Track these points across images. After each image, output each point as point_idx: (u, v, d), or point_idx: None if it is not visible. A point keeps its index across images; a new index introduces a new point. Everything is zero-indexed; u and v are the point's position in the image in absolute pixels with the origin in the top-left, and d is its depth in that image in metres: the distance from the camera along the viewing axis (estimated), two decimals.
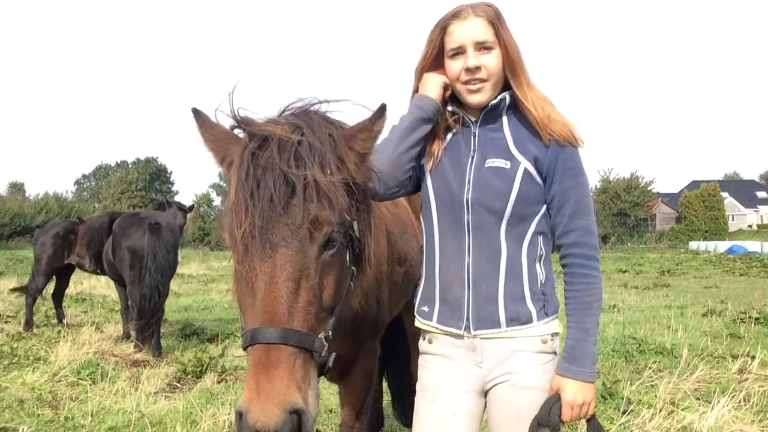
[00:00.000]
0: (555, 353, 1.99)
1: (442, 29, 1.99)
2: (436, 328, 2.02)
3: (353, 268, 1.83)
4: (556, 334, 2.00)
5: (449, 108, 2.06)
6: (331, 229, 1.62)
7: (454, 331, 1.98)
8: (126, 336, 8.13)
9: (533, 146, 1.95)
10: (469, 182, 1.96)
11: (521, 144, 1.96)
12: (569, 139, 1.94)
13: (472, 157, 1.99)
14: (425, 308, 2.07)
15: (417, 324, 2.11)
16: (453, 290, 1.98)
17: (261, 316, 1.54)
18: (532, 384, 1.94)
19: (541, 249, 1.98)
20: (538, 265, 1.98)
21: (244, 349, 1.57)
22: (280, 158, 1.61)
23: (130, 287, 7.82)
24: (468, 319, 1.95)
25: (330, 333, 1.68)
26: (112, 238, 8.16)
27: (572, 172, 1.94)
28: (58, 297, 9.91)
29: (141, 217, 8.06)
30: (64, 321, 9.61)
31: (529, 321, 1.94)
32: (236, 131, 1.76)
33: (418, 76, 2.09)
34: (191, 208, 10.48)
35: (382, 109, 1.77)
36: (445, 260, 2.00)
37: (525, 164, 1.94)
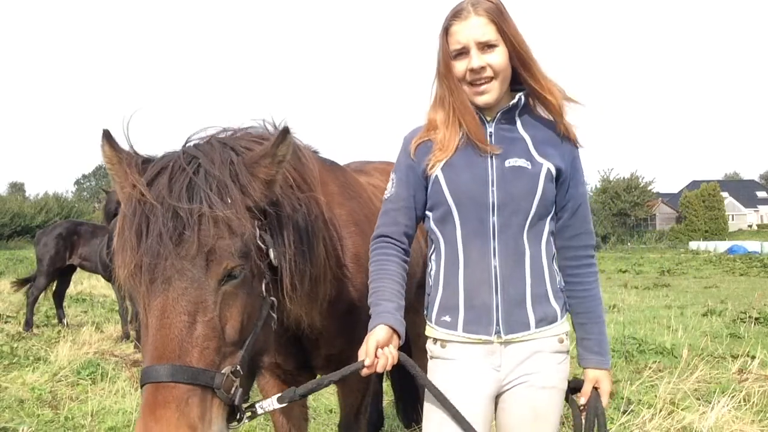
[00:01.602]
0: (567, 352, 2.00)
1: (444, 32, 1.93)
2: (464, 337, 1.92)
3: (272, 299, 1.73)
4: (567, 332, 2.01)
5: None
6: (231, 259, 1.52)
7: (484, 337, 1.89)
8: (126, 336, 8.12)
9: (552, 149, 1.95)
10: (492, 183, 1.91)
11: (540, 146, 1.95)
12: (575, 141, 1.99)
13: (492, 157, 1.93)
14: (447, 318, 1.95)
15: (436, 335, 1.99)
16: (480, 296, 1.90)
17: (151, 353, 1.45)
18: (551, 384, 1.94)
19: (553, 248, 2.00)
20: (554, 264, 2.00)
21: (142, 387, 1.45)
22: (171, 192, 1.52)
23: None
24: (498, 324, 1.89)
25: (239, 367, 1.56)
26: (107, 239, 8.14)
27: (582, 177, 2.03)
28: (58, 297, 9.89)
29: None
30: (65, 321, 9.61)
31: (555, 320, 1.95)
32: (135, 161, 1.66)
33: (444, 87, 1.97)
34: None
35: (284, 133, 1.65)
36: (470, 265, 1.92)
37: (547, 165, 1.93)
